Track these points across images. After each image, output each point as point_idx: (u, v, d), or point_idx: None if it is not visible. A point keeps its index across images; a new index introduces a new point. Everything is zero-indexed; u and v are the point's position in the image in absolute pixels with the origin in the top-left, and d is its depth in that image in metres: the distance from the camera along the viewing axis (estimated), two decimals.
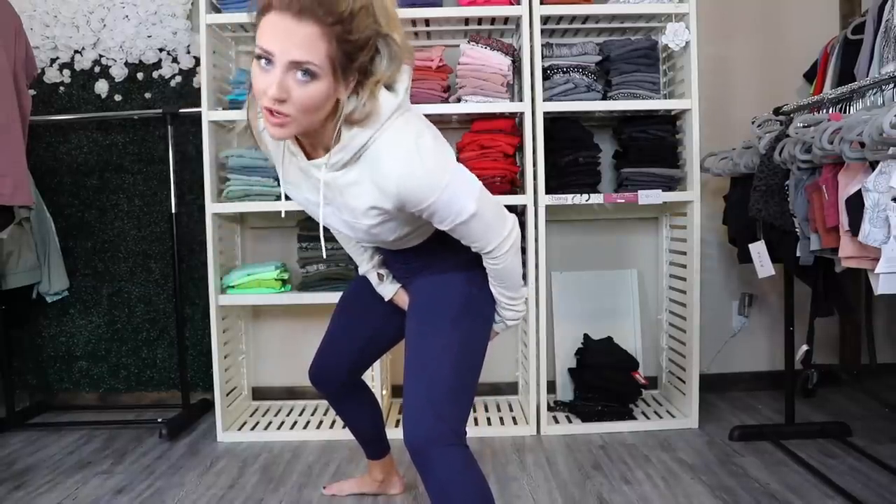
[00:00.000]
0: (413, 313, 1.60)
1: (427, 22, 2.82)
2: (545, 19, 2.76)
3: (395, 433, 2.71)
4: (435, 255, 1.59)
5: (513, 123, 2.79)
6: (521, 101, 2.71)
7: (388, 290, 1.77)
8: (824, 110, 2.26)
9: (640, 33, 2.94)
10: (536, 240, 2.67)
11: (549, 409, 2.82)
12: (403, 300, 1.75)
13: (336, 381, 1.93)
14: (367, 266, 1.79)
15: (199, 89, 2.91)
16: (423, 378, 1.46)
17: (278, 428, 2.80)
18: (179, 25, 3.03)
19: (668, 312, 3.00)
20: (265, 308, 3.10)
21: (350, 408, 2.01)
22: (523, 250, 2.79)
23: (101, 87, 3.06)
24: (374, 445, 2.10)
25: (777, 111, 2.56)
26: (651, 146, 2.79)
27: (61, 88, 3.08)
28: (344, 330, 1.90)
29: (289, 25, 1.16)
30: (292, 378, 3.13)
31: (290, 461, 2.49)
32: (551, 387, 2.94)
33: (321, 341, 1.93)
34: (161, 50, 3.05)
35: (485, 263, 1.53)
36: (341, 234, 1.76)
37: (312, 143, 1.37)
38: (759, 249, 2.48)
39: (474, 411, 2.90)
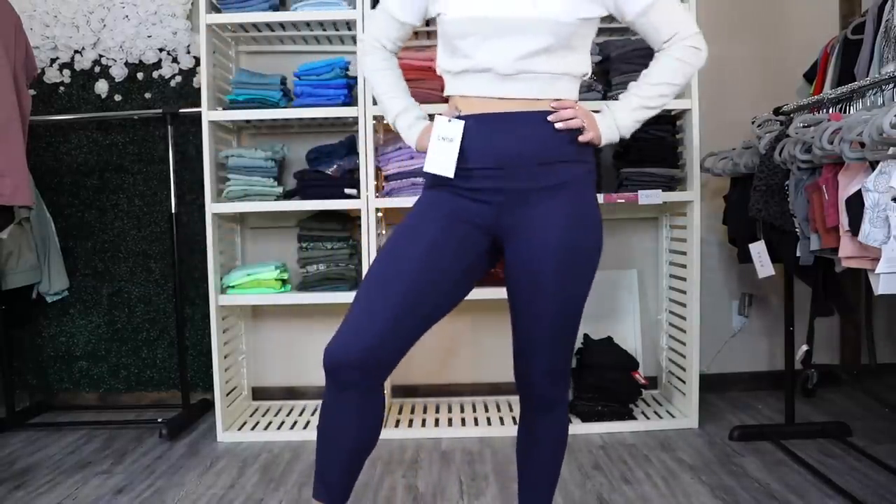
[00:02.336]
0: (559, 254, 1.47)
1: (427, 22, 2.80)
2: None
3: (393, 434, 2.73)
4: (572, 144, 1.46)
5: None
6: None
7: (417, 130, 1.56)
8: (824, 110, 2.26)
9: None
10: None
11: None
12: (424, 143, 1.48)
13: (387, 367, 1.38)
14: (406, 101, 1.60)
15: (199, 89, 2.91)
16: (566, 341, 1.53)
17: (278, 428, 2.80)
18: (179, 25, 3.03)
19: (668, 312, 3.00)
20: (265, 308, 3.10)
21: (370, 416, 1.42)
22: None
23: (101, 87, 3.06)
24: (346, 487, 1.47)
25: (777, 111, 2.56)
26: (651, 146, 2.79)
27: (61, 88, 3.08)
28: (429, 273, 1.34)
29: None
30: (292, 378, 3.13)
31: (290, 461, 2.49)
32: None
33: (373, 301, 1.32)
34: (161, 50, 3.05)
35: (679, 55, 1.51)
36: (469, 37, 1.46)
37: None
38: (759, 249, 2.48)
39: (474, 411, 2.90)
